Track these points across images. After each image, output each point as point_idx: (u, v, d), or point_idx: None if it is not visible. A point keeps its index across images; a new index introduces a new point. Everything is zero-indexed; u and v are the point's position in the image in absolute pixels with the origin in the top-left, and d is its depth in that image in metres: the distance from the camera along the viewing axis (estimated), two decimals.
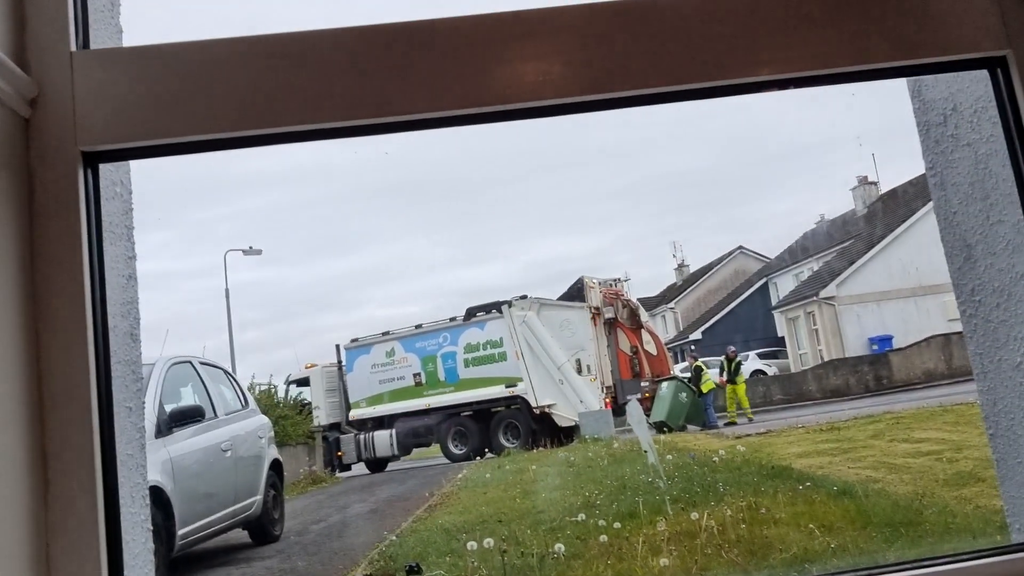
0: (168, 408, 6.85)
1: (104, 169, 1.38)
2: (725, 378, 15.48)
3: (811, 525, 5.34)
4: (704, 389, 14.55)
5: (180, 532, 6.38)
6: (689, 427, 14.12)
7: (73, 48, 1.29)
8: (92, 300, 1.26)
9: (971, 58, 1.52)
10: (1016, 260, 1.63)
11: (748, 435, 11.23)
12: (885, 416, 10.87)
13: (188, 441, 6.91)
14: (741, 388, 15.49)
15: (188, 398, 7.74)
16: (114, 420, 1.32)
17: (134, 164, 1.57)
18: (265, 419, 9.10)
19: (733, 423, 14.59)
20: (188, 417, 7.00)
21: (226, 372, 8.87)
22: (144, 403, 1.56)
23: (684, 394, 14.37)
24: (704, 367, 15.10)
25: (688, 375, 15.31)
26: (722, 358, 16.14)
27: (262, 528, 8.18)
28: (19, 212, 1.21)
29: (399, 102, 1.37)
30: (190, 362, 7.84)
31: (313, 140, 1.39)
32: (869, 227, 22.15)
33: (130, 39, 1.53)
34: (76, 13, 1.31)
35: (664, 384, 14.85)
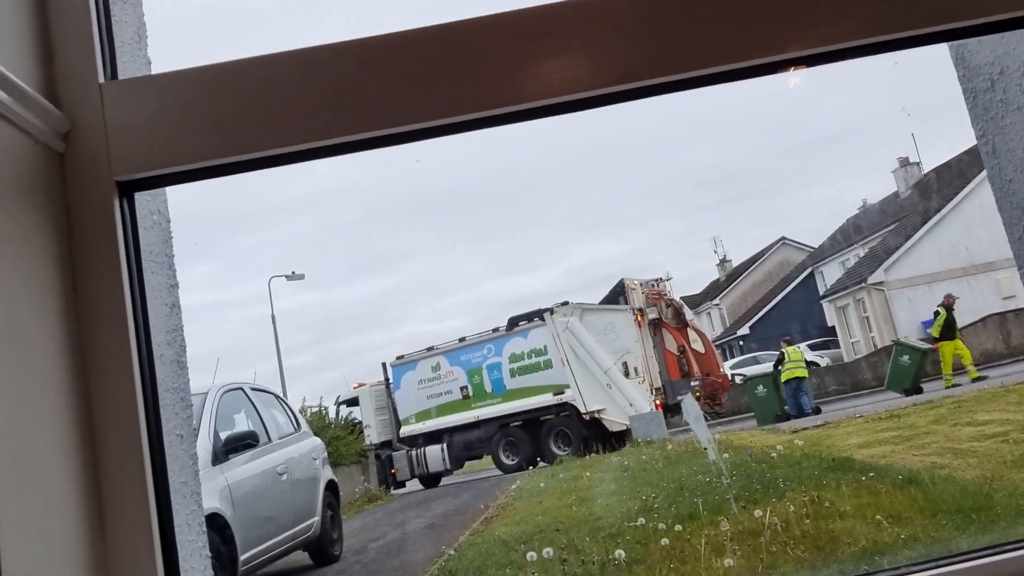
0: (223, 435, 6.94)
1: (141, 199, 1.38)
2: (778, 368, 14.93)
3: (878, 516, 5.18)
4: (783, 377, 13.95)
5: (242, 557, 6.44)
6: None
7: (102, 79, 1.29)
8: (136, 329, 1.26)
9: (1017, 16, 1.45)
10: None
11: (805, 428, 10.99)
12: (946, 400, 10.56)
13: (244, 467, 6.99)
14: (956, 345, 13.84)
15: (242, 424, 7.85)
16: (165, 449, 1.32)
17: (173, 197, 1.58)
18: (318, 441, 9.18)
19: (952, 385, 13.17)
20: (243, 443, 7.08)
21: (277, 396, 8.97)
22: (196, 430, 1.56)
23: (760, 387, 14.06)
24: (787, 355, 14.29)
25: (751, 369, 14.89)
26: (780, 350, 15.58)
27: (322, 549, 8.24)
28: (59, 246, 1.21)
29: (432, 107, 1.35)
30: (241, 388, 7.94)
31: (346, 153, 1.37)
32: (914, 208, 21.62)
33: (158, 68, 1.54)
34: (103, 44, 1.31)
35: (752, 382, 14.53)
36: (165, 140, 1.29)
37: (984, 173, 1.86)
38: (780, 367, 14.23)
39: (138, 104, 1.28)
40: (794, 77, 1.52)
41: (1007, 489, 5.50)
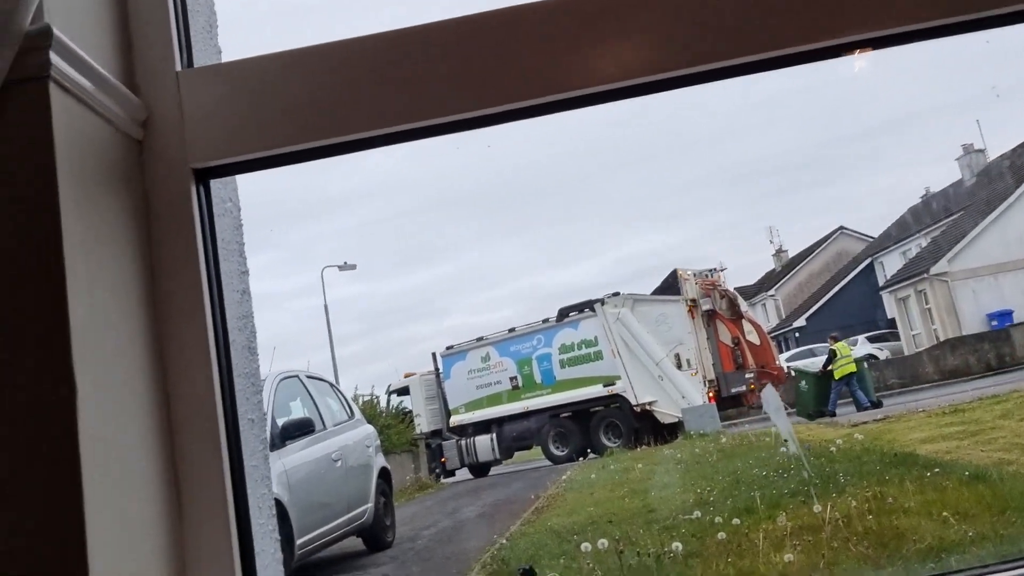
0: (280, 422, 7.07)
1: (214, 186, 1.40)
2: (828, 367, 14.59)
3: (944, 513, 5.03)
4: (837, 375, 13.66)
5: (298, 542, 6.57)
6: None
7: (178, 67, 1.30)
8: (212, 316, 1.27)
9: None
10: None
11: (864, 422, 10.73)
12: (1012, 395, 10.18)
13: (300, 453, 7.11)
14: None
15: (297, 411, 7.99)
16: (240, 433, 1.33)
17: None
18: (371, 429, 9.29)
19: None
20: (299, 430, 7.20)
21: (331, 384, 9.11)
22: (265, 415, 1.58)
23: (803, 383, 13.78)
24: (838, 351, 14.00)
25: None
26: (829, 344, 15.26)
27: (375, 535, 8.34)
28: (138, 233, 1.23)
29: (501, 91, 1.33)
30: (297, 376, 8.08)
31: (415, 139, 1.36)
32: (979, 196, 20.89)
33: (226, 57, 1.55)
34: (179, 32, 1.32)
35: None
36: (239, 127, 1.30)
37: None
38: (831, 366, 13.92)
39: (213, 92, 1.29)
40: (859, 60, 1.46)
41: None
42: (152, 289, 1.23)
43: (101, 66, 1.15)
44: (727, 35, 1.32)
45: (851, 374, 13.71)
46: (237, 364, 1.39)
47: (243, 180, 1.55)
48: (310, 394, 8.16)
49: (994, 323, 18.83)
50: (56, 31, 1.05)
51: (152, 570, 1.11)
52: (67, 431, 0.96)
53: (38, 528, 0.96)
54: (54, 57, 1.05)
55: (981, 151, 22.77)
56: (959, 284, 19.56)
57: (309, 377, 8.38)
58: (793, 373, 15.21)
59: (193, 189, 1.27)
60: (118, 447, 1.07)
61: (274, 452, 6.73)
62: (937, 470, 6.25)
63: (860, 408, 13.10)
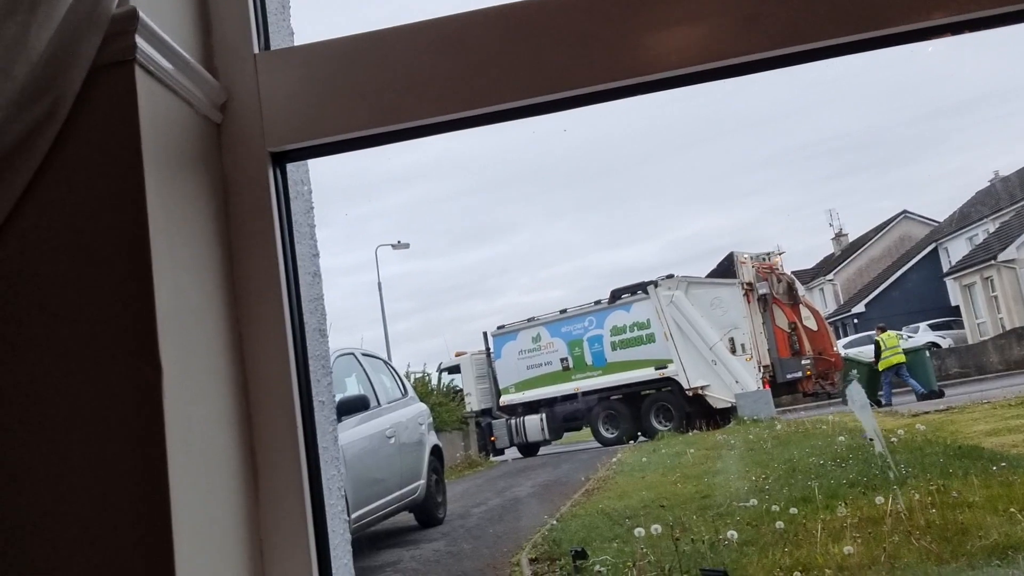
0: (336, 398, 7.19)
1: (289, 168, 1.40)
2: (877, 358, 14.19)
3: (1012, 509, 4.86)
4: (881, 366, 13.36)
5: (352, 516, 6.69)
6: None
7: (256, 50, 1.30)
8: (288, 298, 1.28)
9: None
10: None
11: (926, 412, 10.44)
12: None
13: (355, 429, 7.23)
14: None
15: (352, 388, 8.11)
16: (313, 415, 1.35)
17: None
18: (424, 406, 9.40)
19: None
20: (355, 407, 7.32)
21: (385, 362, 9.22)
22: (334, 397, 1.59)
23: (854, 371, 13.48)
24: (882, 342, 13.69)
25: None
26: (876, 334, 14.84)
27: (427, 511, 8.45)
28: (217, 216, 1.24)
29: (574, 76, 1.30)
30: (353, 354, 8.20)
31: (488, 124, 1.35)
32: None
33: (298, 40, 1.55)
34: (256, 14, 1.33)
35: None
36: (314, 111, 1.29)
37: None
38: (879, 357, 13.58)
39: (290, 75, 1.29)
40: (932, 43, 1.38)
41: None
42: (231, 271, 1.24)
43: (183, 49, 1.16)
44: (810, 16, 1.27)
45: (899, 364, 13.41)
46: (310, 346, 1.40)
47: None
48: (365, 371, 8.27)
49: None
50: (141, 14, 1.06)
51: (231, 547, 1.13)
52: (154, 412, 0.98)
53: (126, 503, 0.99)
54: (139, 41, 1.06)
55: None
56: None
57: (364, 355, 8.50)
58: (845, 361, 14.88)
59: (270, 172, 1.28)
60: (201, 427, 1.09)
61: None
62: (1003, 464, 6.04)
63: (919, 397, 12.77)
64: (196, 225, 1.17)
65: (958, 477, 5.88)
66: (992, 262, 19.40)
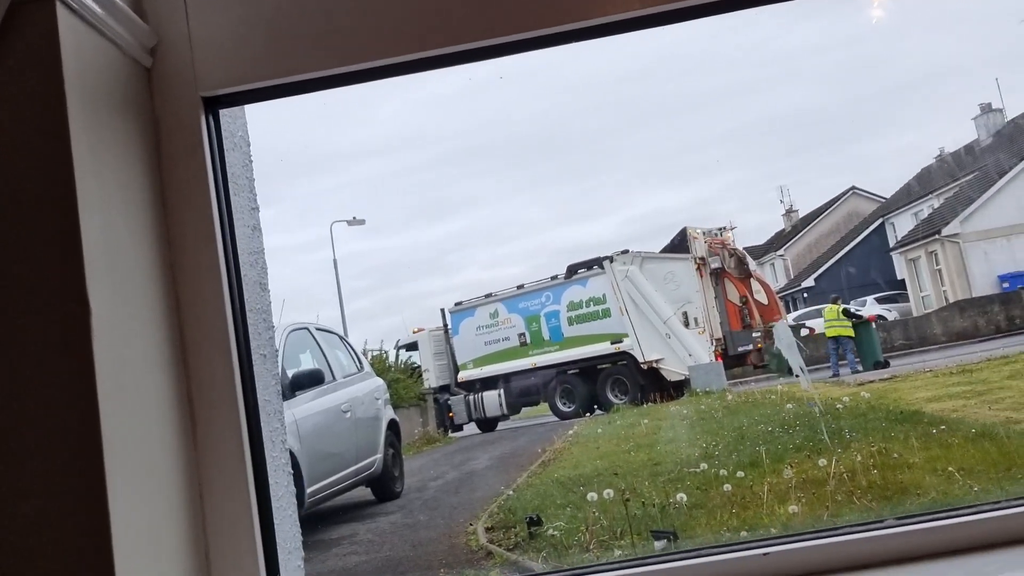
0: (290, 373, 7.13)
1: (224, 119, 1.38)
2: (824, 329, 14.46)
3: (950, 468, 5.05)
4: (828, 334, 13.62)
5: (308, 491, 6.67)
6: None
7: None
8: (223, 246, 1.27)
9: None
10: None
11: (871, 381, 10.73)
12: (1021, 356, 10.15)
13: (310, 404, 7.18)
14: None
15: (307, 363, 8.04)
16: (253, 366, 1.34)
17: None
18: (380, 381, 9.37)
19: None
20: (310, 381, 7.26)
21: (340, 337, 9.16)
22: (277, 351, 1.58)
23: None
24: (824, 312, 13.96)
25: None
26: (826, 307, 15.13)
27: (384, 485, 8.46)
28: (148, 160, 1.22)
29: (512, 20, 1.30)
30: (307, 328, 8.12)
31: (430, 69, 1.34)
32: (995, 157, 20.59)
33: None
34: None
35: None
36: (249, 55, 1.28)
37: None
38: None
39: (223, 18, 1.27)
40: (877, 12, 1.41)
41: None
42: (164, 216, 1.23)
43: None
44: None
45: (847, 338, 13.72)
46: (249, 298, 1.39)
47: (252, 133, 1.53)
48: (319, 346, 8.21)
49: (1005, 285, 18.71)
50: None
51: (168, 486, 1.13)
52: (82, 349, 0.97)
53: (55, 433, 0.97)
54: None
55: (999, 111, 22.38)
56: (971, 246, 19.40)
57: (319, 329, 8.43)
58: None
59: (202, 117, 1.26)
60: (132, 366, 1.08)
61: (284, 402, 6.78)
62: (943, 427, 6.25)
63: (853, 371, 13.11)
64: (127, 168, 1.15)
65: (899, 440, 6.08)
66: (936, 237, 19.95)
